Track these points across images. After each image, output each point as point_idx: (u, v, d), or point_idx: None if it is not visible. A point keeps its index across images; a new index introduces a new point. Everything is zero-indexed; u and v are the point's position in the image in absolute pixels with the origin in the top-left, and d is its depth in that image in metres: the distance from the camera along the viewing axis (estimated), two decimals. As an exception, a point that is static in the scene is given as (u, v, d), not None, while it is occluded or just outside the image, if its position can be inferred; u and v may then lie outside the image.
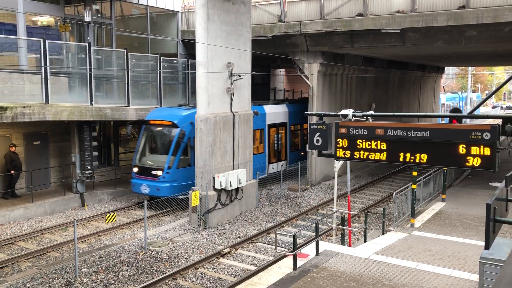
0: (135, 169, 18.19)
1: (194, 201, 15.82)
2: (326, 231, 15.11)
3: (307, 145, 11.01)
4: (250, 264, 13.01)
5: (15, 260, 12.88)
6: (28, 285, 11.34)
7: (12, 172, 16.93)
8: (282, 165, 22.87)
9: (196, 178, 16.55)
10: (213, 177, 16.35)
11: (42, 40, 16.26)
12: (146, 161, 18.38)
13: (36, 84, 16.57)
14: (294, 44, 21.69)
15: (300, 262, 10.77)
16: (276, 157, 22.72)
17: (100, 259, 13.11)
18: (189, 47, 23.66)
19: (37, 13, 19.47)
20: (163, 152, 18.17)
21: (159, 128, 18.50)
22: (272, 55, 21.35)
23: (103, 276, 11.95)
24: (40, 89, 16.44)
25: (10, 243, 14.29)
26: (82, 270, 12.27)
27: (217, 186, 16.36)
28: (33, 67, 17.33)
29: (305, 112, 12.81)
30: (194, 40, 16.53)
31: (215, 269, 12.68)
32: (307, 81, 22.25)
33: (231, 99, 17.27)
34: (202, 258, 13.14)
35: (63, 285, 11.39)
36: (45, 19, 20.61)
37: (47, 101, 16.39)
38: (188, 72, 21.70)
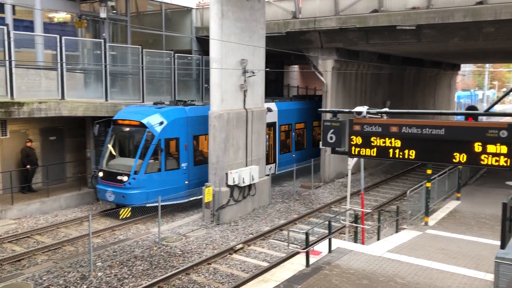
0: (101, 174, 16.65)
1: (207, 197, 15.90)
2: (339, 229, 15.05)
3: (320, 142, 11.02)
4: (263, 261, 13.04)
5: (31, 254, 13.08)
6: (44, 278, 11.52)
7: (28, 166, 17.19)
8: (270, 168, 20.57)
9: (209, 174, 16.61)
10: (226, 174, 16.40)
11: (58, 36, 16.44)
12: (112, 165, 16.70)
13: (52, 80, 16.78)
14: (308, 41, 21.61)
15: (312, 259, 10.76)
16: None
17: (115, 253, 13.26)
18: (203, 43, 23.71)
19: (53, 9, 19.70)
20: (131, 156, 16.63)
21: (127, 129, 16.84)
22: (286, 52, 21.29)
23: (117, 271, 12.08)
24: (56, 85, 16.64)
25: (27, 237, 14.52)
26: (97, 264, 12.42)
27: (230, 183, 16.41)
28: (49, 63, 17.54)
29: (319, 109, 12.75)
30: (208, 36, 16.57)
31: (228, 265, 12.73)
32: (321, 77, 22.16)
33: (245, 96, 17.28)
34: (215, 254, 13.21)
35: (78, 278, 11.55)
36: (61, 16, 20.84)
37: (63, 97, 16.60)
38: (202, 69, 21.76)
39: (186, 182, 17.19)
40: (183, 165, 17.04)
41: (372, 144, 8.92)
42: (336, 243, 12.15)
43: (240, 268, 12.54)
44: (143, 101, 18.98)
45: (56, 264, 12.45)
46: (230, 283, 11.48)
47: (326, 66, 21.90)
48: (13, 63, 15.32)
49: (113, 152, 17.02)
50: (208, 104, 17.63)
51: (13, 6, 18.25)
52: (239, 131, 17.14)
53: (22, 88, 15.82)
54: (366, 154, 9.16)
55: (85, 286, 11.15)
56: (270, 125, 20.76)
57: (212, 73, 16.32)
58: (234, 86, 16.85)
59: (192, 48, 24.47)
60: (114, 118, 17.09)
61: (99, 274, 11.84)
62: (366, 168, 23.51)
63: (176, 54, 20.49)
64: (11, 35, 15.18)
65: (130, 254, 13.19)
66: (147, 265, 12.52)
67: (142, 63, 18.94)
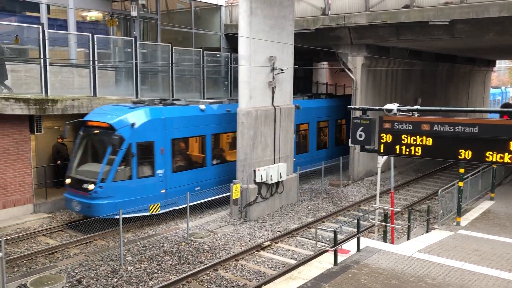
0: (68, 181, 15.01)
1: (235, 194, 15.97)
2: (368, 228, 14.88)
3: (349, 140, 10.88)
4: (290, 258, 13.02)
5: (64, 247, 13.44)
6: (76, 271, 11.82)
7: (58, 162, 17.61)
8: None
9: (237, 171, 16.67)
10: (254, 171, 16.43)
11: (90, 35, 16.79)
12: (79, 172, 14.94)
13: (84, 77, 17.16)
14: (338, 37, 21.38)
15: (340, 258, 10.66)
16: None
17: (144, 248, 13.48)
18: (232, 41, 23.78)
19: (86, 8, 20.13)
20: (98, 161, 14.74)
21: (96, 131, 15.01)
22: (315, 48, 21.14)
23: (146, 265, 12.29)
24: (88, 82, 17.01)
25: (60, 230, 14.92)
26: (127, 258, 12.66)
27: (258, 180, 16.43)
28: (82, 61, 17.94)
29: (348, 106, 12.61)
30: (237, 34, 16.61)
31: (255, 262, 12.76)
32: (350, 74, 21.91)
33: (273, 93, 17.25)
34: (243, 250, 13.26)
35: (108, 272, 11.80)
36: (93, 15, 21.28)
37: (95, 94, 16.95)
38: (230, 66, 21.84)
39: (163, 191, 15.34)
40: (159, 172, 15.21)
41: (403, 142, 8.77)
42: (365, 242, 12.00)
43: (268, 265, 12.55)
44: (172, 98, 19.20)
45: (88, 257, 12.76)
46: (257, 280, 11.50)
47: (355, 62, 21.63)
48: (47, 61, 15.72)
49: (81, 157, 15.30)
50: (194, 103, 17.15)
51: (48, 6, 18.76)
52: (267, 129, 17.13)
53: (56, 85, 16.24)
54: (396, 152, 9.01)
55: (115, 279, 11.38)
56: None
57: (241, 70, 16.35)
58: (263, 83, 16.84)
59: (220, 46, 24.59)
60: (84, 119, 15.42)
61: (129, 268, 12.06)
62: (396, 167, 23.17)
63: (205, 52, 20.62)
64: (46, 34, 15.59)
65: (159, 249, 13.39)
66: (176, 260, 12.68)
67: (172, 61, 19.14)
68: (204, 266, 12.07)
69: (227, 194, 16.77)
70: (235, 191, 15.93)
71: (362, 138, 9.62)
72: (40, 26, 15.69)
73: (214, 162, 17.46)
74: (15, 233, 14.37)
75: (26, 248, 13.28)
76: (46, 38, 15.54)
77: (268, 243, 13.93)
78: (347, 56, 21.67)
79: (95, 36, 16.96)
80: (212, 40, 24.91)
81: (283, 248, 13.83)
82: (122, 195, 14.41)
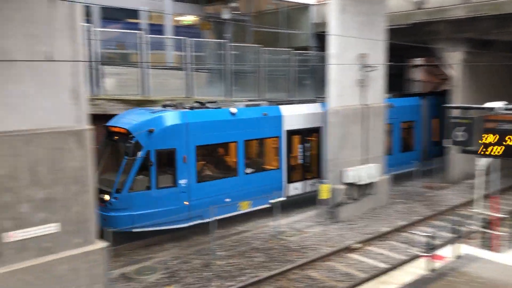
0: None
1: (324, 194, 15.82)
2: (467, 234, 13.94)
3: (443, 140, 10.26)
4: (381, 262, 12.62)
5: (160, 240, 14.16)
6: (171, 263, 12.47)
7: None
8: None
9: (326, 171, 16.49)
10: (343, 171, 16.14)
11: (186, 39, 17.58)
12: (99, 181, 13.32)
13: (179, 79, 18.01)
14: (434, 32, 20.27)
15: (436, 265, 10.11)
16: None
17: (234, 244, 13.84)
18: (321, 39, 23.57)
19: (181, 13, 21.12)
20: (116, 170, 13.66)
21: (116, 137, 14.23)
22: (408, 45, 20.23)
23: (237, 261, 12.61)
24: (183, 84, 17.82)
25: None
26: (218, 253, 13.08)
27: (347, 180, 16.12)
28: (177, 63, 18.85)
29: (445, 105, 11.92)
30: (327, 32, 16.43)
31: (345, 264, 12.55)
32: (447, 71, 20.68)
33: (363, 91, 16.81)
34: (331, 252, 13.11)
35: (201, 266, 12.29)
36: (187, 19, 22.28)
37: (189, 95, 17.73)
38: (319, 65, 21.67)
39: (186, 203, 14.00)
40: (182, 181, 13.83)
41: (508, 143, 8.12)
42: (464, 249, 11.26)
43: (357, 268, 12.28)
44: (261, 99, 19.51)
45: (182, 251, 13.38)
46: (347, 282, 11.30)
47: (453, 58, 20.36)
48: (147, 65, 16.73)
49: (102, 165, 14.35)
50: (216, 107, 15.43)
51: (147, 12, 19.99)
52: (357, 128, 16.73)
53: (153, 87, 17.22)
54: (500, 154, 8.36)
55: (207, 273, 11.82)
56: (312, 131, 17.64)
57: (330, 69, 16.16)
58: (352, 82, 16.50)
59: (310, 45, 24.50)
60: (107, 124, 14.54)
61: (220, 262, 12.46)
62: (500, 169, 21.40)
63: (294, 51, 20.67)
64: (146, 39, 16.59)
65: (249, 246, 13.67)
66: (265, 257, 12.87)
67: (262, 62, 19.44)
68: (293, 265, 12.11)
69: (263, 206, 15.71)
70: (324, 192, 15.77)
71: (462, 139, 9.05)
72: (141, 32, 16.73)
73: (248, 171, 15.64)
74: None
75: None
76: (146, 42, 16.53)
77: (358, 245, 13.63)
78: (444, 51, 20.48)
79: (190, 39, 17.72)
80: (300, 40, 24.89)
81: (373, 251, 13.44)
82: (140, 207, 13.25)
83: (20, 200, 9.24)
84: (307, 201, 16.97)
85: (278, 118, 16.32)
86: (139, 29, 17.56)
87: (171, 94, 17.73)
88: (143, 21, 19.62)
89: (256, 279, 11.35)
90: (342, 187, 16.19)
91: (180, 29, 22.06)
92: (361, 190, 16.76)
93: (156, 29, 20.79)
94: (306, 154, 17.33)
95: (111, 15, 20.27)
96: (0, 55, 8.73)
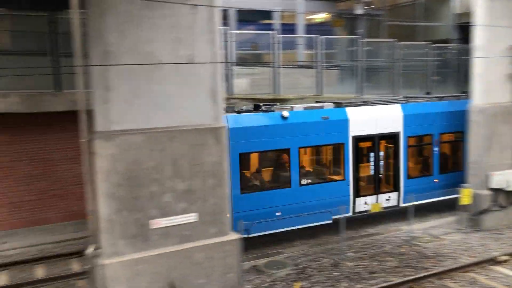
0: None
1: (465, 200, 14.53)
2: None
3: None
4: (533, 278, 11.18)
5: (289, 236, 14.30)
6: (300, 259, 12.55)
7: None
8: (388, 199, 15.32)
9: (468, 175, 15.11)
10: (488, 175, 14.62)
11: (318, 36, 17.55)
12: None
13: (309, 77, 18.05)
14: None
15: None
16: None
17: (364, 246, 13.44)
18: (464, 31, 21.70)
19: (313, 11, 21.14)
20: None
21: None
22: None
23: (366, 263, 12.22)
24: (314, 81, 17.82)
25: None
26: (348, 254, 12.82)
27: (493, 186, 14.56)
28: (308, 62, 18.92)
29: None
30: (471, 23, 15.04)
31: (489, 277, 11.38)
32: None
33: (517, 87, 15.03)
34: (473, 262, 12.00)
35: (330, 265, 12.16)
36: (319, 17, 22.22)
37: (320, 93, 17.67)
38: (461, 59, 19.97)
39: (228, 215, 11.39)
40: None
41: None
42: None
43: (504, 282, 11.06)
44: (395, 95, 18.64)
45: (312, 249, 13.39)
46: (491, 297, 10.24)
47: None
48: (279, 64, 17.09)
49: None
50: (270, 110, 13.90)
51: (279, 13, 20.42)
52: (506, 128, 15.01)
53: (285, 85, 17.52)
54: None
55: (336, 273, 11.65)
56: (387, 137, 15.30)
57: (475, 63, 14.76)
58: (501, 76, 14.84)
59: (450, 37, 22.72)
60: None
61: (350, 264, 12.19)
62: None
63: (432, 45, 19.35)
64: (278, 38, 16.94)
65: (380, 249, 13.16)
66: (397, 262, 12.26)
67: (396, 57, 18.56)
68: (429, 273, 11.34)
69: (323, 222, 14.11)
70: (465, 197, 14.48)
71: None
72: (274, 32, 17.12)
73: (304, 182, 14.04)
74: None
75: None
76: (278, 42, 16.88)
77: (505, 257, 12.25)
78: None
79: (321, 37, 17.65)
80: (440, 32, 23.21)
81: (524, 265, 11.98)
82: None
83: (164, 191, 10.10)
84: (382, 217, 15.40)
85: (343, 122, 14.43)
86: (272, 30, 17.99)
87: (302, 92, 17.86)
88: (276, 22, 20.08)
89: (388, 283, 10.87)
90: (487, 192, 14.68)
91: (312, 27, 22.11)
92: (510, 197, 15.01)
93: (288, 28, 21.13)
94: (379, 164, 15.08)
95: (246, 17, 21.12)
96: (150, 58, 9.63)
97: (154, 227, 10.03)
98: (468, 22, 16.73)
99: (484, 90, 14.62)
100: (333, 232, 14.50)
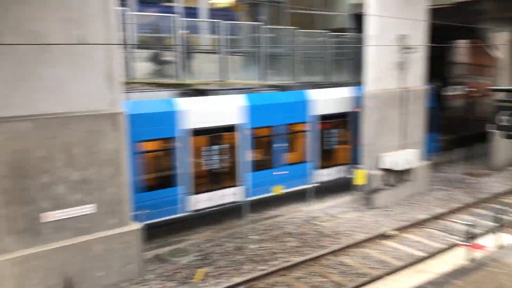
0: None
1: (359, 180, 15.49)
2: (510, 223, 13.35)
3: (488, 125, 9.75)
4: (418, 250, 12.26)
5: (193, 223, 14.24)
6: (204, 245, 12.55)
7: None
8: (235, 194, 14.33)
9: (361, 157, 16.12)
10: (380, 156, 15.73)
11: (220, 21, 17.41)
12: None
13: (214, 63, 17.91)
14: (480, 11, 19.26)
15: (476, 254, 9.72)
16: None
17: (267, 228, 13.79)
18: (359, 21, 22.89)
19: (216, -4, 20.90)
20: None
21: None
22: (452, 25, 19.32)
23: (269, 245, 12.56)
24: (216, 67, 17.71)
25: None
26: (251, 237, 13.07)
27: (384, 166, 15.70)
28: (212, 47, 18.74)
29: (492, 87, 11.33)
30: (365, 13, 15.89)
31: (379, 251, 12.28)
32: (494, 52, 19.67)
33: (403, 74, 16.22)
34: (366, 238, 12.85)
35: (233, 249, 12.31)
36: (222, 1, 22.07)
37: (223, 78, 17.62)
38: (356, 47, 21.07)
39: None
40: None
41: (559, 127, 7.60)
42: (506, 238, 10.78)
43: (393, 255, 11.99)
44: (295, 82, 19.18)
45: (216, 234, 13.45)
46: (381, 269, 11.05)
47: (501, 39, 19.32)
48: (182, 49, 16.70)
49: None
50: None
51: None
52: (395, 112, 16.21)
53: (190, 71, 17.18)
54: (550, 139, 7.84)
55: (240, 256, 11.84)
56: (227, 130, 14.30)
57: (367, 51, 15.67)
58: (391, 64, 15.95)
59: (347, 26, 23.84)
60: None
61: (253, 246, 12.45)
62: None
63: (329, 33, 20.15)
64: (180, 22, 16.51)
65: (282, 230, 13.58)
66: (298, 242, 12.76)
67: (297, 44, 19.05)
68: (326, 251, 11.95)
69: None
70: (359, 177, 15.44)
71: (507, 123, 8.56)
72: (175, 15, 16.67)
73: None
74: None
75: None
76: (181, 26, 16.47)
77: (393, 232, 13.29)
78: (491, 32, 19.45)
79: (224, 22, 17.54)
80: (338, 21, 24.26)
81: (409, 238, 13.08)
82: None
83: (57, 181, 9.48)
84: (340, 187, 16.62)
85: (173, 114, 13.27)
86: (175, 13, 17.51)
87: (206, 77, 17.68)
88: (179, 4, 19.58)
89: (288, 263, 11.27)
90: (379, 173, 15.79)
91: (215, 12, 21.91)
92: (398, 176, 16.30)
93: (192, 12, 20.71)
94: (218, 158, 14.02)
95: (147, -1, 20.36)
96: (36, 38, 8.89)
97: (46, 221, 9.42)
98: (362, 12, 17.67)
99: (376, 77, 15.59)
100: (237, 217, 14.68)
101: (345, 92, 17.21)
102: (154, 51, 16.35)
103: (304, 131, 16.01)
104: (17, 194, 9.08)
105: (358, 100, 16.59)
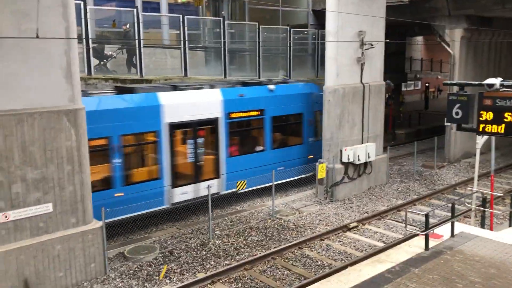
0: None
1: (321, 174, 15.77)
2: (464, 212, 13.94)
3: (445, 119, 10.16)
4: (378, 241, 12.63)
5: (158, 220, 14.13)
6: (168, 242, 12.48)
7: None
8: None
9: (323, 151, 16.41)
10: (340, 150, 16.06)
11: (181, 16, 17.27)
12: None
13: (176, 58, 17.76)
14: (434, 9, 19.94)
15: (432, 243, 10.09)
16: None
17: (232, 223, 13.84)
18: (320, 17, 23.21)
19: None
20: None
21: None
22: (408, 22, 19.91)
23: (233, 240, 12.62)
24: (180, 63, 17.59)
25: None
26: (215, 232, 13.09)
27: (345, 160, 16.04)
28: (173, 41, 18.57)
29: (444, 82, 11.77)
30: (325, 9, 16.14)
31: (341, 242, 12.56)
32: (448, 48, 20.40)
33: (362, 70, 16.60)
34: (328, 230, 13.11)
35: (198, 245, 12.29)
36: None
37: (185, 74, 17.51)
38: (317, 43, 21.37)
39: None
40: None
41: (506, 120, 8.00)
42: (460, 227, 11.24)
43: (354, 246, 12.29)
44: (259, 77, 19.28)
45: (179, 230, 13.39)
46: (343, 260, 11.33)
47: (454, 35, 20.06)
48: (141, 43, 16.47)
49: None
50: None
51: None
52: (355, 107, 16.58)
53: (150, 66, 16.97)
54: (498, 131, 8.25)
55: (204, 252, 11.84)
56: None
57: (328, 47, 15.92)
58: (351, 60, 16.27)
59: (308, 23, 24.13)
60: None
61: (217, 242, 12.47)
62: (498, 148, 21.35)
63: (291, 29, 20.35)
64: (140, 16, 16.28)
65: (246, 225, 13.67)
66: (262, 236, 12.88)
67: (259, 40, 19.14)
68: (289, 244, 12.12)
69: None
70: (321, 171, 15.72)
71: (459, 116, 8.93)
72: (135, 9, 16.42)
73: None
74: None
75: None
76: (141, 21, 16.24)
77: (354, 224, 13.63)
78: (445, 28, 20.15)
79: (185, 17, 17.41)
80: (299, 17, 24.52)
81: (370, 230, 13.45)
82: None
83: (13, 180, 9.19)
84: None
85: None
86: (134, 7, 17.21)
87: (168, 73, 17.50)
88: (139, -1, 19.26)
89: (252, 257, 11.36)
90: (339, 166, 16.12)
91: (176, 7, 21.69)
92: (358, 169, 16.70)
93: (152, 7, 20.43)
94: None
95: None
96: (-13, 32, 8.57)
97: (2, 221, 9.11)
98: (323, 9, 17.93)
99: (336, 72, 15.86)
100: (202, 212, 14.66)
101: (214, 94, 14.75)
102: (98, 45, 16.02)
103: (149, 143, 13.53)
104: (-30, 194, 8.75)
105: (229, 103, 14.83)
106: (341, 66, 15.96)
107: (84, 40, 14.56)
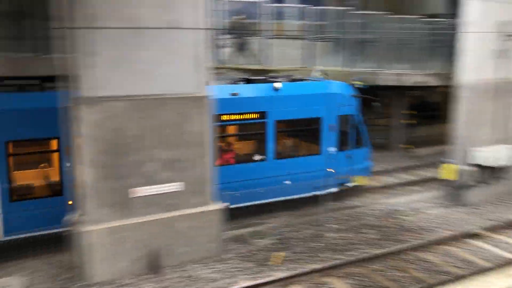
0: None
1: (448, 175, 14.70)
2: None
3: None
4: (509, 252, 11.45)
5: (274, 207, 14.36)
6: (283, 229, 12.70)
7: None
8: None
9: (452, 151, 15.22)
10: (472, 151, 14.76)
11: (306, 7, 17.25)
12: None
13: (297, 49, 17.83)
14: None
15: None
16: None
17: (347, 218, 13.62)
18: (455, 6, 21.50)
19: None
20: None
21: None
22: None
23: (348, 235, 12.41)
24: (301, 54, 17.62)
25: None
26: (330, 225, 12.99)
27: (478, 162, 14.69)
28: (296, 32, 18.61)
29: None
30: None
31: (465, 250, 11.65)
32: None
33: (504, 64, 15.00)
34: (451, 236, 12.24)
35: (312, 236, 12.32)
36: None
37: (309, 65, 17.51)
38: (451, 34, 19.82)
39: None
40: None
41: None
42: None
43: (480, 255, 11.32)
44: (383, 70, 18.56)
45: (295, 220, 13.54)
46: (467, 269, 10.49)
47: None
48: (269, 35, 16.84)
49: None
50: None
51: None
52: (496, 104, 15.02)
53: (274, 57, 17.30)
54: None
55: (318, 244, 11.83)
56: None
57: (464, 38, 14.66)
58: (490, 53, 14.79)
59: (441, 12, 22.50)
60: None
61: (332, 235, 12.38)
62: None
63: (422, 19, 19.17)
64: (267, 8, 16.61)
65: (361, 221, 13.35)
66: (377, 234, 12.48)
67: (386, 30, 18.36)
68: (407, 246, 11.56)
69: None
70: (448, 172, 14.64)
71: None
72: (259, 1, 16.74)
73: None
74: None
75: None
76: (269, 12, 16.54)
77: (482, 232, 12.52)
78: None
79: (312, 8, 17.35)
80: (432, 6, 23.00)
81: (501, 240, 12.25)
82: None
83: (148, 159, 10.07)
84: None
85: None
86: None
87: (289, 64, 17.67)
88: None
89: (366, 255, 11.08)
90: (470, 168, 14.85)
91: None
92: (493, 173, 15.19)
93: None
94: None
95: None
96: (134, 23, 9.44)
97: (138, 195, 10.05)
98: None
99: (471, 66, 14.57)
100: (316, 204, 14.64)
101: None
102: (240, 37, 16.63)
103: None
104: (113, 169, 9.76)
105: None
106: (478, 60, 14.59)
107: (212, 31, 15.31)
